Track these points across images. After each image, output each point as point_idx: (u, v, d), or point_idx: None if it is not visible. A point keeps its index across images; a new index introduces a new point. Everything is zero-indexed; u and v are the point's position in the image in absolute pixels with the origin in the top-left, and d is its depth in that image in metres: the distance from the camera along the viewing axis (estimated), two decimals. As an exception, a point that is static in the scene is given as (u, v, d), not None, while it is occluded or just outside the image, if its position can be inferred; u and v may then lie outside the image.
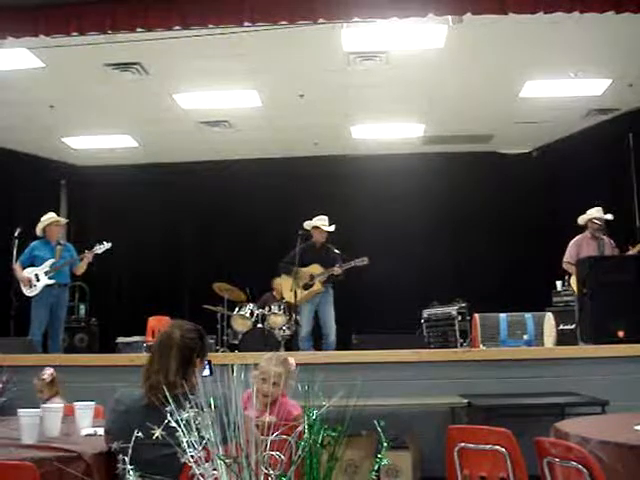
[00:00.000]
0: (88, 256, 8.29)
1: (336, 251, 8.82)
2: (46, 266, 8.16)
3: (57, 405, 3.92)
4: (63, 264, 8.27)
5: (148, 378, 3.10)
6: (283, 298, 10.07)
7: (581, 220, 8.54)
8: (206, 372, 3.15)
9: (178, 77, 8.70)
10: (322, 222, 8.84)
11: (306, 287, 8.74)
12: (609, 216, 8.42)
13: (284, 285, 8.97)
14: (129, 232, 11.45)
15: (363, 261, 8.61)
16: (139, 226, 11.87)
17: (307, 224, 8.91)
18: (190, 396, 1.95)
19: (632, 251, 8.24)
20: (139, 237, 11.64)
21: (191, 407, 1.83)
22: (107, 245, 8.33)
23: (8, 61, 7.86)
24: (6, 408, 4.29)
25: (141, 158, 11.96)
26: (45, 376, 4.96)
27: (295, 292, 8.79)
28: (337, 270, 8.58)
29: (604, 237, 8.39)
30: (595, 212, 8.47)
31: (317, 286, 8.66)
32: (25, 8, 6.14)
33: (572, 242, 8.47)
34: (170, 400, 1.93)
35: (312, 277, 8.68)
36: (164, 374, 3.07)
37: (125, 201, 12.12)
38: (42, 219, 8.40)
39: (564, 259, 8.46)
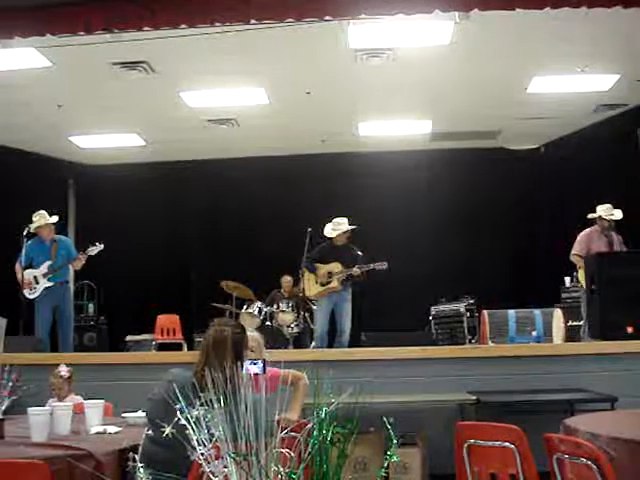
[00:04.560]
0: (81, 258, 8.26)
1: (358, 252, 8.75)
2: (44, 268, 8.17)
3: (67, 403, 3.95)
4: (61, 266, 8.27)
5: (203, 373, 3.20)
6: (292, 295, 10.09)
7: (590, 215, 8.48)
8: (259, 369, 3.18)
9: (185, 75, 8.70)
10: (338, 225, 8.76)
11: (323, 284, 8.72)
12: (618, 214, 8.35)
13: (306, 281, 8.89)
14: (137, 230, 11.47)
15: (382, 265, 8.55)
16: (147, 224, 11.88)
17: (327, 232, 8.84)
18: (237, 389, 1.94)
19: None
20: (147, 235, 11.65)
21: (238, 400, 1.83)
22: (100, 246, 8.25)
23: (16, 60, 7.86)
24: (16, 407, 4.31)
25: (148, 157, 11.97)
26: (63, 372, 4.95)
27: (303, 289, 8.81)
28: (355, 271, 8.53)
29: (613, 233, 8.33)
30: (604, 210, 8.38)
31: (334, 284, 8.63)
32: (32, 7, 6.15)
33: (582, 234, 8.36)
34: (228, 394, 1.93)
35: (330, 274, 8.66)
36: (222, 370, 3.12)
37: (132, 199, 12.13)
38: (33, 219, 8.34)
39: (573, 251, 8.34)
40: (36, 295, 8.13)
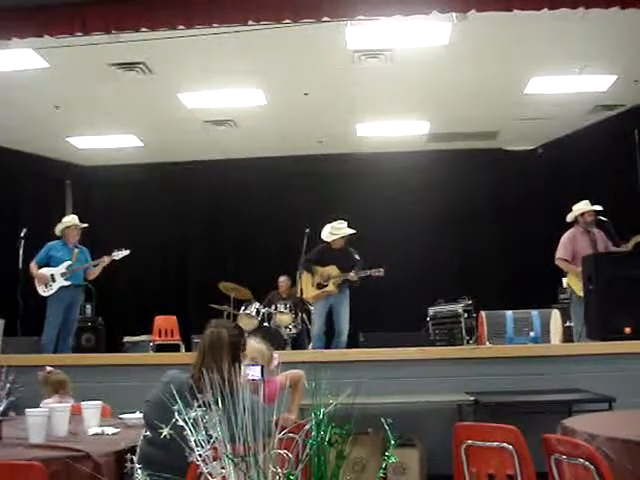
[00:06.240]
0: (105, 260, 8.33)
1: (356, 256, 8.69)
2: (62, 267, 8.21)
3: (65, 405, 3.94)
4: (79, 267, 8.31)
5: (200, 375, 3.17)
6: (289, 296, 10.08)
7: (570, 217, 8.29)
8: (257, 375, 3.18)
9: (183, 76, 8.70)
10: (336, 230, 8.70)
11: (320, 287, 8.70)
12: (598, 207, 8.28)
13: (303, 282, 8.86)
14: (135, 231, 11.45)
15: (379, 271, 8.54)
16: (144, 225, 11.88)
17: (324, 235, 8.78)
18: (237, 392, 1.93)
19: (630, 243, 8.05)
20: (144, 236, 11.64)
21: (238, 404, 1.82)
22: (126, 252, 8.38)
23: (13, 61, 7.87)
24: (13, 408, 4.31)
25: (146, 158, 11.97)
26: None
27: (302, 290, 8.80)
28: (352, 276, 8.52)
29: (595, 230, 8.19)
30: (584, 205, 8.24)
31: (330, 287, 8.61)
32: (29, 8, 6.15)
33: (565, 237, 8.17)
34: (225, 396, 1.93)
35: (327, 278, 8.64)
36: (219, 372, 3.16)
37: (130, 200, 12.14)
38: (63, 220, 8.46)
39: (557, 256, 8.11)
40: (51, 293, 8.16)
